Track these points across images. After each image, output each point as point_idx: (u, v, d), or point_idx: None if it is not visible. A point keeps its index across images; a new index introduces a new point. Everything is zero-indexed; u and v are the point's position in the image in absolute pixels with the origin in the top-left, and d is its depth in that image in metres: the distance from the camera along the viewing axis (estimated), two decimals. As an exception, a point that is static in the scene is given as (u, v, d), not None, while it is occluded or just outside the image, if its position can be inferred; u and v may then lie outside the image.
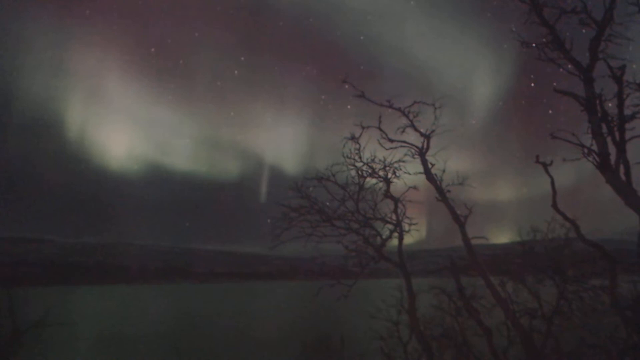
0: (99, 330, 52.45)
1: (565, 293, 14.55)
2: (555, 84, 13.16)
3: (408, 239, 16.26)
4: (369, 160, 16.14)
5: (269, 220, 16.54)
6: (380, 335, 16.62)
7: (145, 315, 73.22)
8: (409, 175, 16.07)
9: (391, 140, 15.83)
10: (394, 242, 16.23)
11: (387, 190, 16.16)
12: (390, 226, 16.19)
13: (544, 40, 12.72)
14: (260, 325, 54.25)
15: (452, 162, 15.80)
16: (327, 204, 16.51)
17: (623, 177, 12.07)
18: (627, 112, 12.30)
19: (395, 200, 16.13)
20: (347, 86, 15.81)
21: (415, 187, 16.01)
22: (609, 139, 12.28)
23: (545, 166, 13.44)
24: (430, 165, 15.53)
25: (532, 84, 19.80)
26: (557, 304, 14.60)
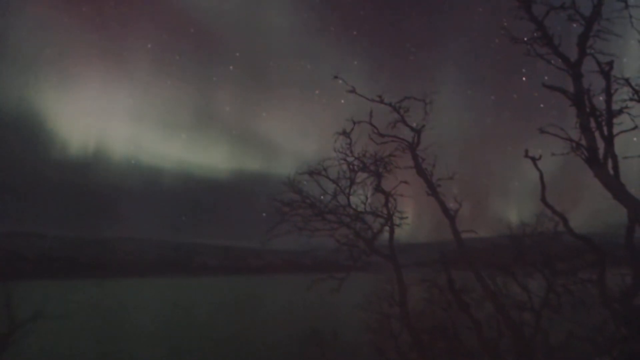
0: (95, 323, 52.53)
1: (555, 286, 14.67)
2: (546, 78, 13.27)
3: (399, 233, 16.39)
4: (360, 154, 16.23)
5: (264, 214, 16.62)
6: (372, 328, 16.72)
7: (141, 309, 73.21)
8: (400, 170, 16.18)
9: (382, 135, 15.90)
10: (386, 235, 16.36)
11: (378, 185, 16.24)
12: (382, 220, 16.29)
13: (535, 35, 12.78)
14: (253, 319, 54.31)
15: (443, 156, 15.91)
16: (322, 197, 16.60)
17: (611, 171, 12.18)
18: (615, 107, 12.43)
19: (386, 194, 16.21)
20: (340, 81, 15.93)
21: (406, 182, 16.11)
22: (597, 134, 12.39)
23: (534, 160, 13.53)
24: (420, 160, 15.61)
25: (524, 78, 19.77)
26: (546, 297, 14.71)
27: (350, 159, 16.22)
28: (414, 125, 15.79)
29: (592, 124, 12.40)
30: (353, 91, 15.74)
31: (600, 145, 12.34)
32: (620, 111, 12.43)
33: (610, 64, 12.26)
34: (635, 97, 12.40)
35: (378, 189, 16.28)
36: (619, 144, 12.40)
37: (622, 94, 12.46)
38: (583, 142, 12.37)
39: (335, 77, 15.82)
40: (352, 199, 16.40)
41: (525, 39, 12.92)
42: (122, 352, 36.32)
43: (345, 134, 16.04)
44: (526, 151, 13.60)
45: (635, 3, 11.90)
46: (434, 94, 15.70)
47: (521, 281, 15.18)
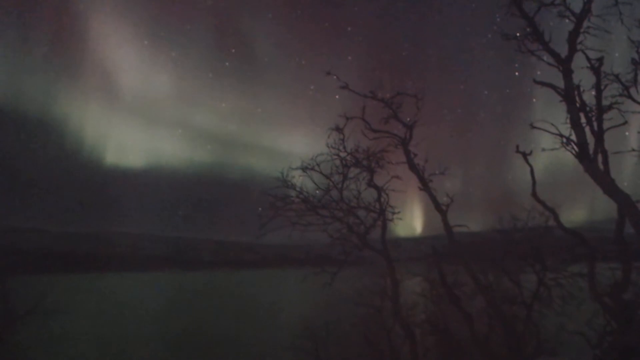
0: (91, 318, 52.56)
1: (545, 280, 14.81)
2: (539, 73, 13.36)
3: (391, 227, 16.50)
4: (353, 150, 16.30)
5: (260, 209, 16.68)
6: (364, 321, 16.83)
7: (137, 304, 73.28)
8: (392, 165, 16.28)
9: (375, 131, 15.99)
10: (378, 230, 16.46)
11: (371, 180, 16.33)
12: (374, 215, 16.38)
13: (527, 31, 12.84)
14: (247, 313, 54.41)
15: (435, 151, 16.03)
16: (317, 191, 16.68)
17: (601, 167, 12.28)
18: (605, 102, 12.55)
19: (379, 189, 16.30)
20: (335, 77, 16.01)
21: (398, 177, 16.20)
22: (587, 129, 12.49)
23: (524, 155, 13.63)
24: (412, 155, 15.71)
25: (517, 73, 19.88)
26: (536, 291, 14.85)
27: (343, 154, 16.28)
28: (407, 120, 15.93)
29: (583, 120, 12.49)
30: (346, 87, 15.84)
31: (591, 140, 12.45)
32: (610, 107, 12.56)
33: (600, 60, 12.37)
34: (625, 93, 12.53)
35: (370, 184, 16.36)
36: (609, 140, 12.53)
37: (612, 90, 12.60)
38: (573, 137, 12.46)
39: (328, 73, 15.91)
40: (345, 194, 16.48)
41: (518, 34, 13.00)
42: (118, 346, 36.39)
43: (338, 129, 16.12)
44: (517, 146, 13.69)
45: (625, -1, 12.00)
46: (426, 90, 15.85)
47: (512, 275, 15.30)
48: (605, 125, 12.55)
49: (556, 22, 12.68)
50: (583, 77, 12.58)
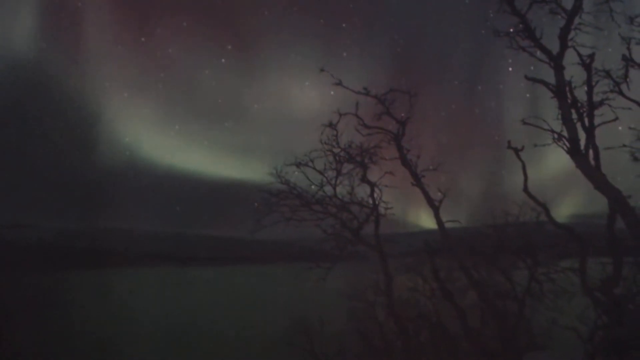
0: (87, 314, 52.53)
1: (537, 275, 14.88)
2: (532, 68, 13.41)
3: (384, 223, 16.58)
4: (347, 146, 16.38)
5: (256, 204, 16.75)
6: (358, 316, 16.90)
7: (132, 300, 73.18)
8: (385, 161, 16.36)
9: (368, 127, 16.06)
10: (372, 225, 16.55)
11: (364, 175, 16.41)
12: (367, 210, 16.46)
13: (519, 28, 12.88)
14: (241, 309, 54.46)
15: (428, 147, 16.10)
16: (312, 187, 16.76)
17: (592, 162, 12.35)
18: (596, 98, 12.61)
19: (372, 185, 16.39)
20: (330, 73, 16.05)
21: (391, 173, 16.28)
22: (578, 125, 12.55)
23: (516, 151, 13.70)
24: (405, 151, 15.78)
25: (510, 69, 19.90)
26: (528, 286, 14.93)
27: (336, 150, 16.40)
28: (401, 115, 16.00)
29: (574, 116, 12.55)
30: (339, 84, 15.88)
31: (582, 136, 12.51)
32: (601, 103, 12.62)
33: (591, 56, 12.41)
34: (616, 89, 12.59)
35: (364, 179, 16.46)
36: (600, 135, 12.60)
37: (603, 86, 12.66)
38: (565, 133, 12.52)
39: (322, 70, 15.96)
40: (339, 189, 16.62)
41: (512, 30, 13.03)
42: (118, 342, 36.41)
43: (331, 125, 16.18)
44: (509, 142, 13.79)
45: (615, -4, 12.05)
46: (419, 86, 15.95)
47: (504, 270, 15.37)
48: (597, 121, 12.61)
49: (548, 19, 12.72)
50: (574, 74, 12.64)
